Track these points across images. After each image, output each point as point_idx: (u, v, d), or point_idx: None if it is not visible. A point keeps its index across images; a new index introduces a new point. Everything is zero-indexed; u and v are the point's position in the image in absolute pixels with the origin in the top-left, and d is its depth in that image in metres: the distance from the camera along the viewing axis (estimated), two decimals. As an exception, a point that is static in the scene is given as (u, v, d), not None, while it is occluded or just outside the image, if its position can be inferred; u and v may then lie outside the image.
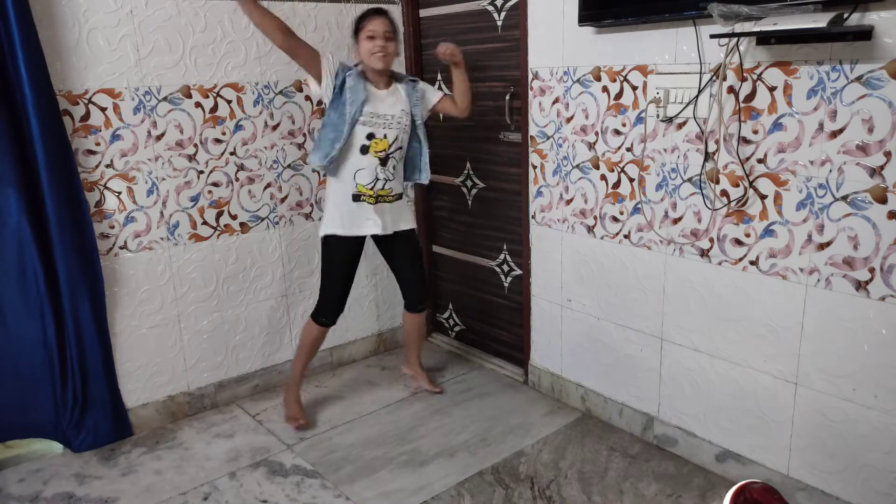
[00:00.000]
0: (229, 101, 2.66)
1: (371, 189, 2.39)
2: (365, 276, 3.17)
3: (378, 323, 3.31)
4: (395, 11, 3.06)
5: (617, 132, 2.32)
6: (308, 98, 2.86)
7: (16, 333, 2.33)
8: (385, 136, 2.37)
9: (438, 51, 2.45)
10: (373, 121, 2.35)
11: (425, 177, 2.56)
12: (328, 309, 2.54)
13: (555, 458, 2.38)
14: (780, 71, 1.85)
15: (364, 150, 2.36)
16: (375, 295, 3.25)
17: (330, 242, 2.47)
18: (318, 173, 2.95)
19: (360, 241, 2.49)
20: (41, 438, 2.49)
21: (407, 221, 2.57)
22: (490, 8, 2.77)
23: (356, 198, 2.40)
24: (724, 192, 2.05)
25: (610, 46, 2.26)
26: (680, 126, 2.12)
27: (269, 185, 2.82)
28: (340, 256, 2.48)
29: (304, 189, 2.93)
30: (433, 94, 2.55)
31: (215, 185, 2.68)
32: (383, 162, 2.39)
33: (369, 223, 2.43)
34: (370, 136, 2.35)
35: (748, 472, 2.14)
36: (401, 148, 2.44)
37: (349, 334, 3.21)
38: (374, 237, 2.53)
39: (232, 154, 2.70)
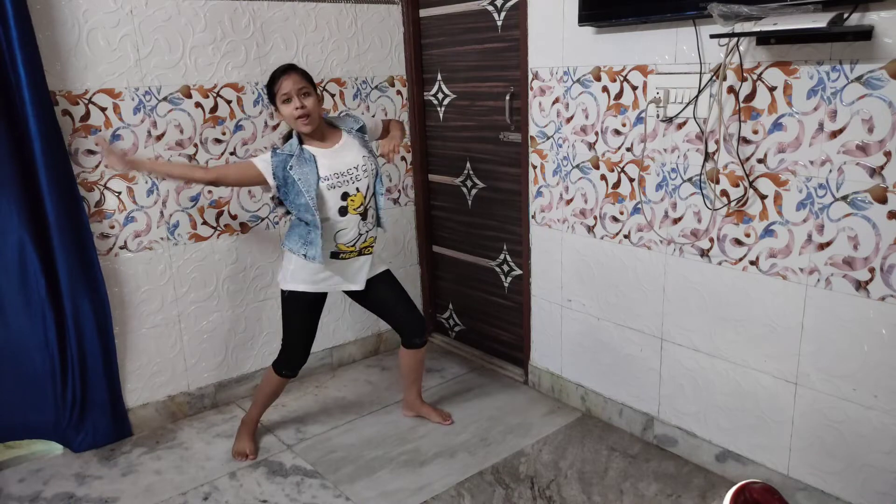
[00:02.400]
0: (229, 101, 2.66)
1: (353, 246, 2.26)
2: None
3: (378, 323, 3.30)
4: (396, 11, 3.06)
5: (617, 132, 2.32)
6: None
7: (17, 334, 2.33)
8: (358, 190, 2.20)
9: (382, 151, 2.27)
10: (339, 181, 2.17)
11: (385, 226, 2.38)
12: (292, 361, 2.38)
13: (555, 458, 2.38)
14: (780, 71, 1.85)
15: (343, 211, 2.19)
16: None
17: (294, 297, 2.29)
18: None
19: (323, 296, 2.35)
20: (41, 439, 2.49)
21: (380, 265, 2.42)
22: (490, 8, 2.77)
23: (335, 255, 2.25)
24: (724, 192, 2.05)
25: (610, 46, 2.26)
26: (680, 126, 2.12)
27: (269, 185, 2.82)
28: (306, 310, 2.33)
29: (304, 189, 2.92)
30: (375, 131, 2.41)
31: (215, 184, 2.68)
32: (363, 216, 2.24)
33: (344, 281, 2.31)
34: (345, 196, 2.18)
35: (748, 472, 2.14)
36: (374, 195, 2.29)
37: (349, 334, 3.21)
38: (350, 292, 2.41)
39: (232, 154, 2.70)
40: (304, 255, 2.21)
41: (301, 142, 2.19)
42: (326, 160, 2.17)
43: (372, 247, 2.33)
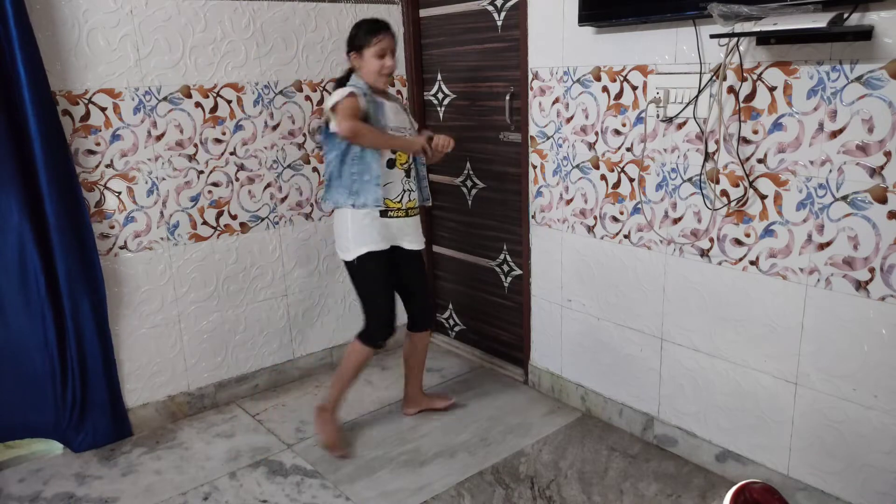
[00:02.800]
0: (229, 101, 2.66)
1: (400, 202, 2.32)
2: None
3: (378, 323, 3.30)
4: (395, 12, 3.06)
5: (617, 132, 2.32)
6: (308, 98, 2.86)
7: (16, 334, 2.33)
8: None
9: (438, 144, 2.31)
10: (393, 133, 2.28)
11: (426, 196, 2.48)
12: (383, 328, 2.38)
13: (555, 458, 2.38)
14: (780, 71, 1.85)
15: (391, 163, 2.28)
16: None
17: (366, 261, 2.29)
18: (318, 172, 2.95)
19: (391, 252, 2.36)
20: (41, 439, 2.49)
21: (420, 240, 2.46)
22: (490, 8, 2.77)
23: (384, 213, 2.29)
24: (724, 192, 2.05)
25: (610, 46, 2.26)
26: (680, 126, 2.12)
27: (269, 185, 2.82)
28: (382, 271, 2.33)
29: (304, 189, 2.93)
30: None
31: (215, 185, 2.68)
32: (408, 173, 2.34)
33: (402, 236, 2.36)
34: (393, 150, 2.28)
35: (748, 472, 2.14)
36: (415, 159, 2.39)
37: (349, 334, 3.20)
38: (392, 253, 2.40)
39: (232, 154, 2.70)
40: (353, 205, 2.24)
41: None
42: (390, 113, 2.29)
43: (416, 210, 2.40)
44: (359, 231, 2.28)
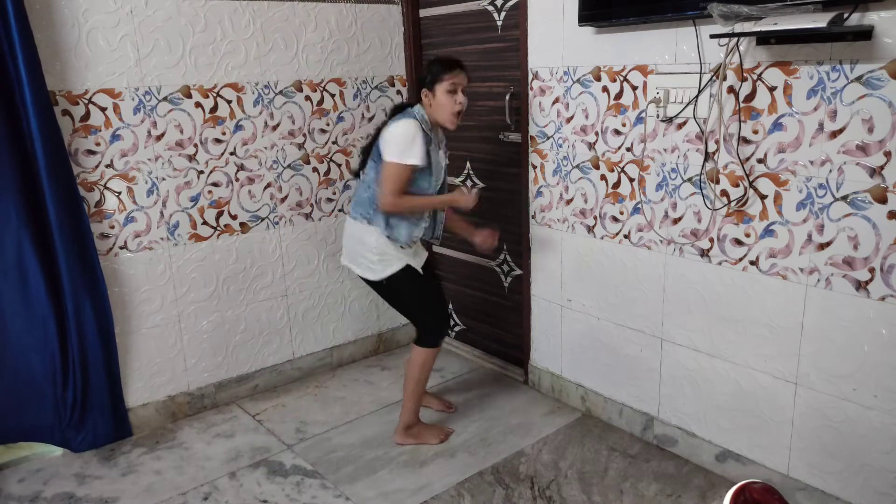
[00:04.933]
0: (229, 101, 2.66)
1: (419, 238, 2.36)
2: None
3: (378, 323, 3.31)
4: (396, 12, 3.06)
5: (617, 132, 2.32)
6: (308, 98, 2.86)
7: (15, 334, 2.33)
8: (440, 189, 2.36)
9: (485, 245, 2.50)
10: (442, 174, 2.35)
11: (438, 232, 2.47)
12: (445, 325, 2.48)
13: (555, 458, 2.38)
14: (780, 71, 1.85)
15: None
16: (375, 295, 3.24)
17: (408, 272, 2.34)
18: (318, 172, 2.95)
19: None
20: (40, 442, 2.48)
21: (425, 252, 2.51)
22: (490, 8, 2.77)
23: (409, 244, 2.35)
24: (724, 192, 2.05)
25: (610, 46, 2.26)
26: (680, 126, 2.12)
27: (269, 185, 2.82)
28: (423, 278, 2.39)
29: (304, 189, 2.93)
30: None
31: (215, 185, 2.68)
32: (434, 213, 2.39)
33: (418, 258, 2.40)
34: (442, 188, 2.36)
35: (748, 472, 2.14)
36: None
37: (349, 334, 3.21)
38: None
39: (232, 154, 2.70)
40: (397, 238, 2.27)
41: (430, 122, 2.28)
42: (441, 151, 2.33)
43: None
44: (394, 251, 2.31)
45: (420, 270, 2.37)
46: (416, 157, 2.17)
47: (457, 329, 3.41)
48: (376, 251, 2.30)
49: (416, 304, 2.45)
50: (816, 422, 1.95)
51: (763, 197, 1.96)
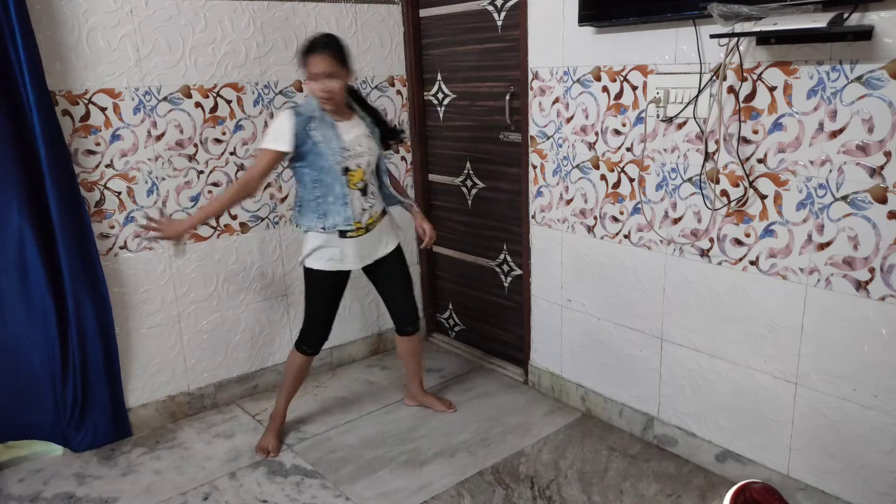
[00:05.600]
0: (229, 101, 2.66)
1: (359, 222, 2.27)
2: (362, 276, 3.16)
3: (378, 323, 3.30)
4: (396, 11, 3.06)
5: (617, 132, 2.32)
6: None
7: (15, 334, 2.33)
8: (358, 166, 2.23)
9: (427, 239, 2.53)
10: (346, 154, 2.20)
11: (384, 202, 2.41)
12: (312, 337, 2.42)
13: (555, 458, 2.38)
14: (780, 71, 1.85)
15: (345, 184, 2.24)
16: (375, 295, 3.22)
17: (316, 275, 2.33)
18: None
19: (345, 274, 2.37)
20: (40, 440, 2.48)
21: (391, 241, 2.44)
22: (490, 8, 2.77)
23: (343, 234, 2.26)
24: (724, 192, 2.05)
25: (610, 46, 2.26)
26: (680, 126, 2.12)
27: (269, 185, 2.82)
28: (327, 288, 2.36)
29: (304, 189, 2.92)
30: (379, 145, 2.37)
31: (215, 185, 2.68)
32: (363, 191, 2.27)
33: (356, 258, 2.32)
34: (346, 171, 2.21)
35: (748, 472, 2.14)
36: (370, 175, 2.31)
37: (349, 334, 3.21)
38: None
39: (232, 154, 2.70)
40: (324, 228, 2.24)
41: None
42: (340, 133, 2.21)
43: (376, 221, 2.35)
44: (319, 248, 2.29)
45: (334, 271, 2.31)
46: (277, 143, 2.14)
47: (457, 329, 3.41)
48: (312, 243, 2.30)
49: (305, 305, 2.42)
50: (816, 422, 1.95)
51: (763, 197, 1.96)
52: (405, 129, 2.44)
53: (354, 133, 2.25)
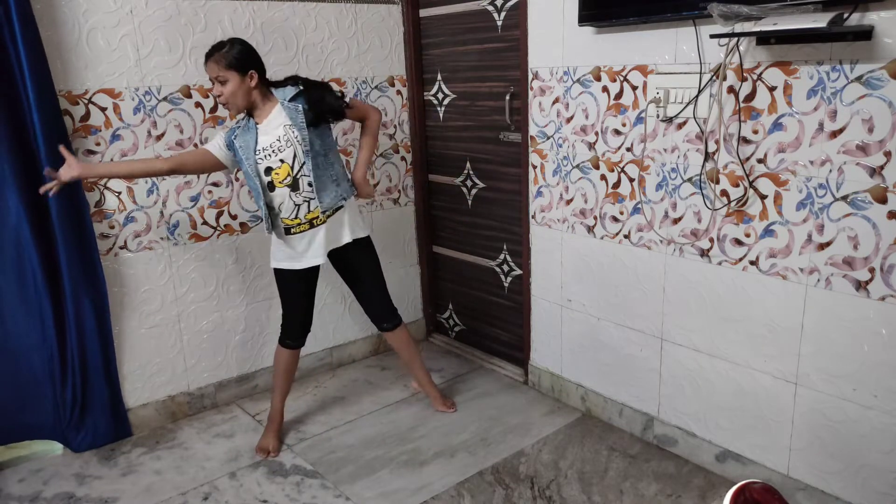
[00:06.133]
0: (229, 101, 2.66)
1: (298, 218, 2.24)
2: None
3: (378, 323, 3.30)
4: (396, 11, 3.06)
5: (617, 132, 2.32)
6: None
7: (14, 334, 2.33)
8: (282, 161, 2.18)
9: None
10: (263, 154, 2.18)
11: (324, 204, 2.24)
12: (292, 331, 2.44)
13: (555, 458, 2.38)
14: (780, 71, 1.85)
15: (270, 186, 2.21)
16: (375, 295, 3.24)
17: (278, 274, 2.38)
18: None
19: (309, 269, 2.35)
20: (40, 440, 2.48)
21: (348, 234, 2.34)
22: (490, 8, 2.77)
23: (288, 230, 2.27)
24: (724, 192, 2.05)
25: (610, 46, 2.26)
26: (680, 126, 2.12)
27: (269, 185, 2.82)
28: (293, 286, 2.39)
29: (304, 189, 2.93)
30: (354, 111, 2.31)
31: (215, 185, 2.68)
32: (293, 187, 2.20)
33: (308, 255, 2.30)
34: (268, 171, 2.19)
35: (748, 472, 2.14)
36: (305, 163, 2.19)
37: (349, 334, 3.21)
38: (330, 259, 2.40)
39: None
40: (267, 230, 2.27)
41: (250, 113, 2.22)
42: (261, 135, 2.19)
43: (324, 216, 2.26)
44: (275, 247, 2.35)
45: (292, 269, 2.32)
46: (210, 144, 2.24)
47: (457, 329, 3.41)
48: (272, 244, 2.37)
49: (280, 299, 2.46)
50: (816, 422, 1.95)
51: (763, 197, 1.96)
52: (347, 100, 2.30)
53: (272, 128, 2.19)
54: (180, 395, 2.73)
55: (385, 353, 3.33)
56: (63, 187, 2.10)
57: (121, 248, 2.50)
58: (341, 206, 2.32)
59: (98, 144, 2.40)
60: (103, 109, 2.39)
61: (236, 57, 2.12)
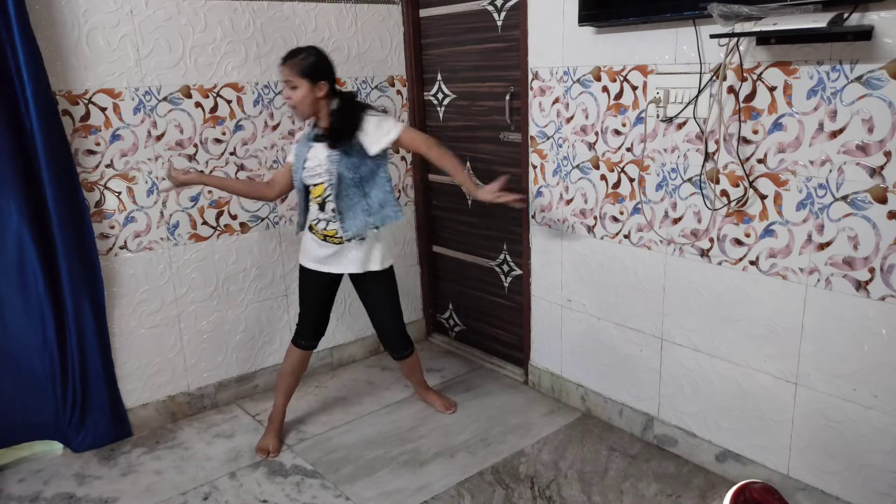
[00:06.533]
0: (229, 101, 2.66)
1: (325, 230, 2.32)
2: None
3: (378, 323, 3.30)
4: (396, 12, 3.06)
5: (617, 132, 2.32)
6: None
7: (15, 335, 2.33)
8: (316, 185, 2.29)
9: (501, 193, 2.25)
10: (308, 174, 2.29)
11: (347, 234, 2.28)
12: (306, 332, 2.47)
13: (555, 458, 2.38)
14: (780, 71, 1.85)
15: (308, 194, 2.35)
16: (375, 295, 3.24)
17: (302, 272, 2.45)
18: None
19: (329, 275, 2.39)
20: (41, 440, 2.48)
21: (371, 263, 2.37)
22: (490, 8, 2.77)
23: (312, 231, 2.37)
24: (724, 192, 2.05)
25: (610, 46, 2.26)
26: (680, 126, 2.12)
27: (269, 185, 2.82)
28: (311, 288, 2.44)
29: (304, 189, 2.93)
30: (375, 139, 2.23)
31: (215, 185, 2.68)
32: (321, 206, 2.30)
33: (329, 263, 2.36)
34: (307, 186, 2.33)
35: (748, 472, 2.14)
36: (332, 195, 2.25)
37: (349, 334, 3.21)
38: (352, 280, 2.47)
39: (232, 154, 2.70)
40: (296, 229, 2.45)
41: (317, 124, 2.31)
42: (312, 151, 2.28)
43: (336, 239, 2.30)
44: (302, 244, 2.44)
45: (315, 269, 2.38)
46: (289, 156, 2.40)
47: (457, 329, 3.41)
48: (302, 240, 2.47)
49: (299, 297, 2.51)
50: (816, 422, 1.95)
51: (763, 197, 1.96)
52: (399, 129, 2.28)
53: (318, 154, 2.27)
54: (180, 395, 2.73)
55: (385, 353, 3.33)
56: (61, 188, 2.12)
57: (121, 248, 2.50)
58: (364, 238, 2.34)
59: (98, 144, 2.40)
60: (103, 109, 2.39)
61: (311, 66, 2.20)
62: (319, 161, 2.27)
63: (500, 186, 2.24)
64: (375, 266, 2.39)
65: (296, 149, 2.34)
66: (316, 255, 2.38)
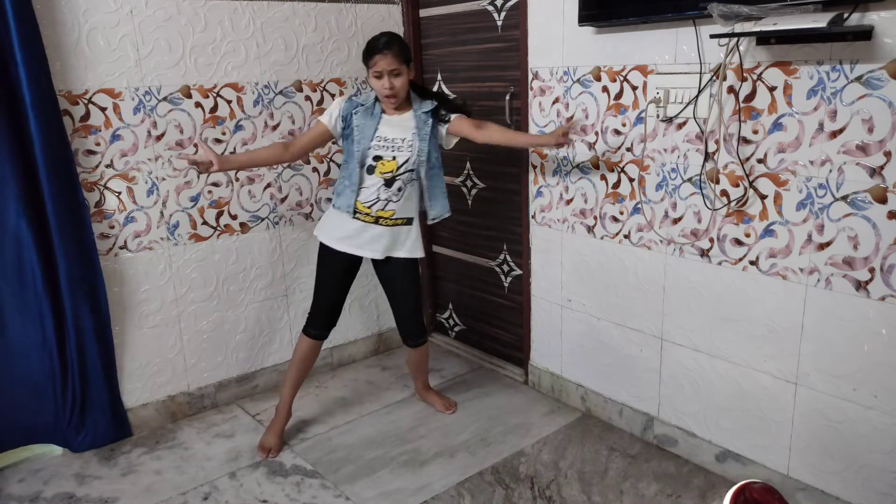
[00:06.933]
0: (229, 101, 2.66)
1: (369, 208, 2.30)
2: (365, 276, 3.15)
3: (378, 323, 3.30)
4: (396, 12, 3.06)
5: (617, 132, 2.32)
6: (308, 98, 2.86)
7: (14, 336, 2.33)
8: (394, 158, 2.27)
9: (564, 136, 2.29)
10: (381, 144, 2.27)
11: (433, 213, 2.42)
12: (318, 319, 2.44)
13: (555, 458, 2.38)
14: (780, 71, 1.85)
15: (370, 170, 2.29)
16: (375, 294, 3.25)
17: (323, 251, 2.40)
18: (318, 172, 2.95)
19: (354, 258, 2.39)
20: (41, 444, 2.48)
21: (405, 250, 2.39)
22: (490, 8, 2.77)
23: (355, 213, 2.32)
24: (724, 192, 2.05)
25: (610, 46, 2.26)
26: (680, 126, 2.12)
27: (269, 186, 2.82)
28: (331, 270, 2.40)
29: (304, 189, 2.93)
30: (445, 126, 2.35)
31: (215, 185, 2.68)
32: (388, 183, 2.28)
33: (358, 243, 2.33)
34: (377, 158, 2.28)
35: (748, 472, 2.14)
36: (411, 171, 2.30)
37: (349, 334, 3.21)
38: (374, 263, 2.44)
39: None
40: (333, 205, 2.37)
41: (377, 99, 2.31)
42: (385, 126, 2.30)
43: (391, 221, 2.33)
44: (327, 221, 2.41)
45: (337, 250, 2.35)
46: (323, 116, 2.34)
47: (457, 329, 3.41)
48: (325, 217, 2.44)
49: (315, 280, 2.47)
50: (816, 422, 1.95)
51: (763, 197, 1.96)
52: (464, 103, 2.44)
53: (400, 129, 2.30)
54: (180, 395, 2.73)
55: (385, 352, 3.34)
56: (60, 188, 2.11)
57: (121, 248, 2.50)
58: (412, 220, 2.39)
59: (98, 144, 2.40)
60: (103, 109, 2.39)
61: (408, 51, 2.26)
62: (402, 135, 2.28)
63: (566, 129, 2.29)
64: (412, 254, 2.42)
65: (357, 119, 2.28)
66: (343, 233, 2.33)
